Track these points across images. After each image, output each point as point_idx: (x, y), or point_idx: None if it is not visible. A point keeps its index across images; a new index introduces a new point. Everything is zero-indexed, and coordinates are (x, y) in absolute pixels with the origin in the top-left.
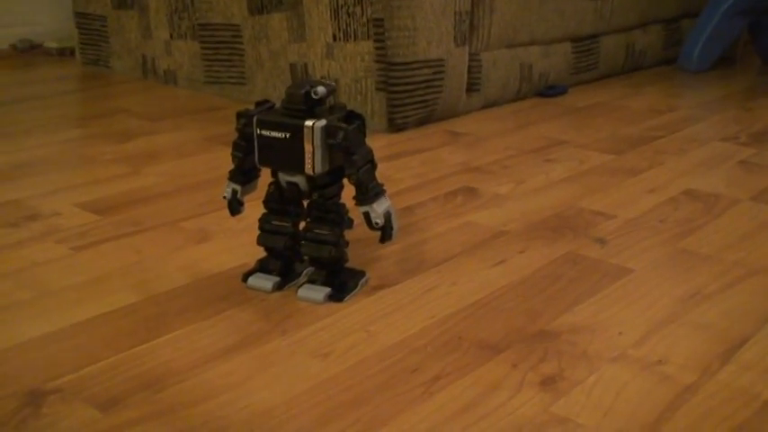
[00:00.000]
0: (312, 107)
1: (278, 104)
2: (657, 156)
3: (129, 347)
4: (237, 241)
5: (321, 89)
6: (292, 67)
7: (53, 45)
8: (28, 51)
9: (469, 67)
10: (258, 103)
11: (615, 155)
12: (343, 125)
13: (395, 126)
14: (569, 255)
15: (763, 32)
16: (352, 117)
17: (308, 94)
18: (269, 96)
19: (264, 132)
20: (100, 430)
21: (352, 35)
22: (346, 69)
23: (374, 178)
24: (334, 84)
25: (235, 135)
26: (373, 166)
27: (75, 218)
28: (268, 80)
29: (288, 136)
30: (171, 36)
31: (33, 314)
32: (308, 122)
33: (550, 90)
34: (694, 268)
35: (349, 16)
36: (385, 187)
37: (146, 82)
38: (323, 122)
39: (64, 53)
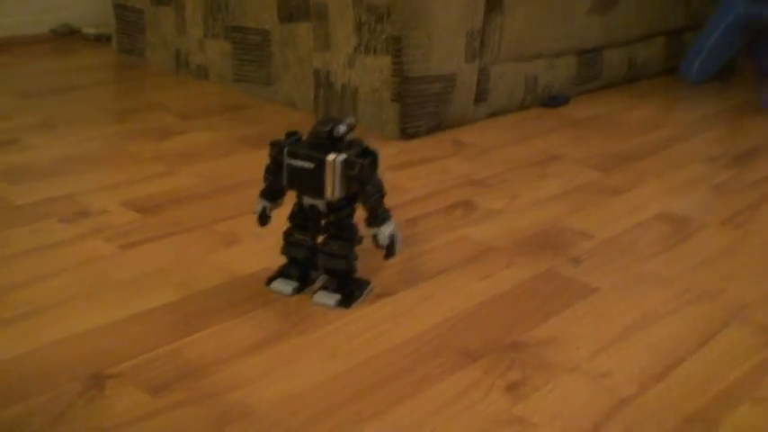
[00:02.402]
0: (334, 142)
1: (305, 136)
2: (641, 176)
3: (174, 340)
4: (263, 245)
5: (342, 128)
6: (316, 72)
7: (91, 31)
8: (66, 36)
9: (478, 79)
10: (288, 134)
11: (604, 172)
12: (360, 160)
13: (406, 134)
14: (548, 272)
15: (761, 48)
16: (367, 153)
17: (331, 131)
18: (292, 98)
19: (293, 162)
20: (151, 411)
21: (373, 49)
22: (365, 79)
23: (383, 205)
24: (354, 120)
25: (263, 140)
26: (382, 195)
27: (121, 216)
28: (293, 83)
29: (313, 166)
30: (205, 35)
31: (91, 306)
32: (330, 156)
33: (553, 100)
34: (652, 290)
35: (370, 32)
36: (391, 213)
37: (178, 76)
38: (343, 156)
39: (100, 39)
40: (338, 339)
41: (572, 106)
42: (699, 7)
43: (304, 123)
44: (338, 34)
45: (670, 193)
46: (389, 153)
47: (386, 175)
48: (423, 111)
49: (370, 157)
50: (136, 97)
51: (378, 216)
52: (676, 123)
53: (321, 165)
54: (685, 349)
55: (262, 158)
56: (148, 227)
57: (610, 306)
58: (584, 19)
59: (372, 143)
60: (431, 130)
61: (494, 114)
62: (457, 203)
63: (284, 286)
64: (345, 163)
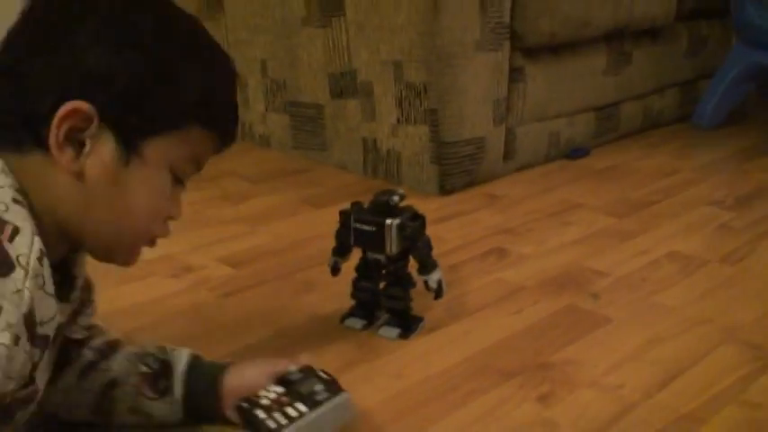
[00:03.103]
0: (391, 209)
1: (366, 204)
2: (653, 219)
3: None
4: (334, 291)
5: (395, 198)
6: (364, 140)
7: None
8: None
9: (506, 139)
10: (353, 204)
11: (618, 218)
12: (411, 223)
13: (444, 191)
14: (570, 306)
15: None
16: (417, 217)
17: (387, 201)
18: (344, 162)
19: (359, 225)
20: None
21: (413, 120)
22: (407, 145)
23: (431, 257)
24: (404, 192)
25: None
26: (430, 249)
27: (218, 270)
28: (344, 149)
29: (375, 229)
30: (266, 109)
31: (206, 344)
32: (388, 221)
33: (574, 152)
34: (659, 319)
35: (410, 106)
36: (438, 262)
37: (243, 143)
38: (398, 221)
39: None
40: (401, 363)
41: (592, 157)
42: (709, 58)
43: (356, 184)
44: (382, 108)
45: (678, 234)
46: (431, 208)
47: (429, 227)
48: (458, 170)
49: (419, 220)
50: (210, 165)
51: (427, 266)
52: (688, 169)
53: (381, 228)
54: (684, 365)
55: (323, 216)
56: (241, 278)
57: (622, 333)
58: (599, 79)
59: (416, 199)
60: (466, 186)
61: (521, 168)
62: (491, 250)
63: (355, 323)
64: (400, 226)
